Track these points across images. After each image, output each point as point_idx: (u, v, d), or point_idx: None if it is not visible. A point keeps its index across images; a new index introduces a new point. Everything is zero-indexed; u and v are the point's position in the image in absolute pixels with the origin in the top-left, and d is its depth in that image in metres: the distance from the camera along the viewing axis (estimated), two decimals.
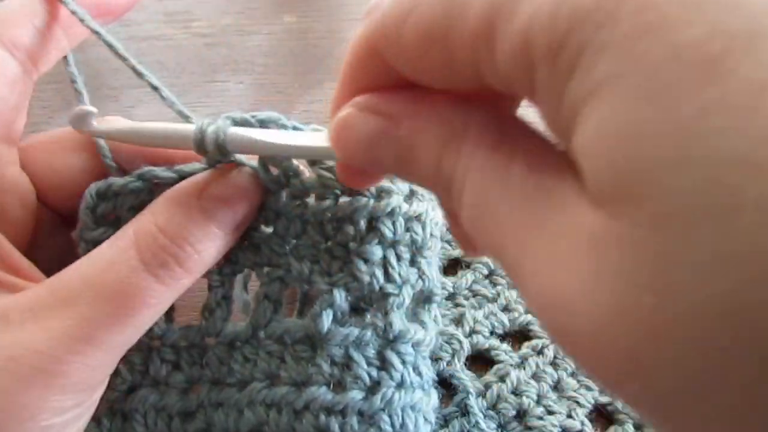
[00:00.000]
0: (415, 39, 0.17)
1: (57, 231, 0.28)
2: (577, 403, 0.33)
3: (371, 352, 0.27)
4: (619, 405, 0.33)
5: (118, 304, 0.23)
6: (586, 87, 0.13)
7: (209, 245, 0.25)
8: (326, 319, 0.26)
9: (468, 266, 0.38)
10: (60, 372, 0.22)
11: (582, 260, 0.13)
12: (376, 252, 0.27)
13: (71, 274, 0.23)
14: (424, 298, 0.28)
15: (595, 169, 0.13)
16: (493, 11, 0.15)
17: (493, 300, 0.37)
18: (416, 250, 0.28)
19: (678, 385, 0.12)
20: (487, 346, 0.35)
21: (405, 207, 0.27)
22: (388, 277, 0.27)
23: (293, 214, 0.27)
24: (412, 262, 0.28)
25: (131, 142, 0.25)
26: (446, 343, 0.34)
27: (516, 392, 0.33)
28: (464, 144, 0.17)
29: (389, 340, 0.27)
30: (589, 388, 0.34)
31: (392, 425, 0.26)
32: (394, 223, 0.27)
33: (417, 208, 0.27)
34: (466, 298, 0.37)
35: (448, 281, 0.37)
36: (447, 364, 0.34)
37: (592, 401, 0.33)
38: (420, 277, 0.28)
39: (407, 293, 0.27)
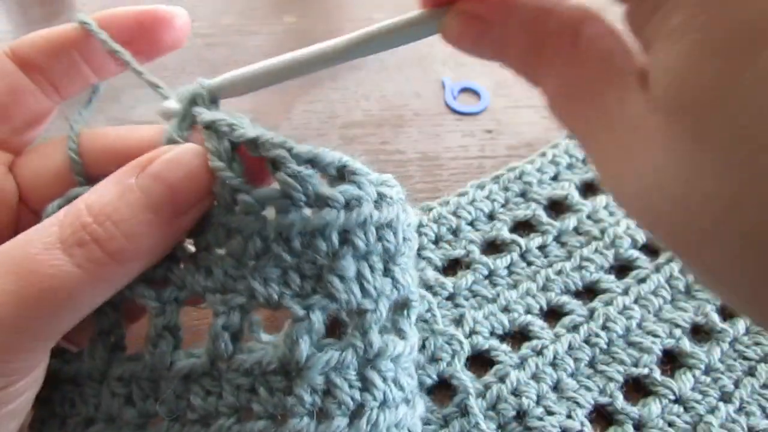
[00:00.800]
0: None
1: None
2: (577, 403, 0.33)
3: (352, 374, 0.25)
4: (618, 405, 0.33)
5: (25, 282, 0.20)
6: (662, 29, 0.16)
7: (140, 229, 0.22)
8: (305, 347, 0.24)
9: (468, 266, 0.38)
10: None
11: (647, 152, 0.17)
12: (351, 267, 0.25)
13: None
14: (400, 306, 0.27)
15: (662, 93, 0.16)
16: None
17: (493, 300, 0.37)
18: (389, 259, 0.26)
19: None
20: (486, 346, 0.35)
21: (376, 215, 0.25)
22: (363, 291, 0.25)
23: (250, 230, 0.24)
24: (386, 272, 0.26)
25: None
26: (446, 343, 0.34)
27: (516, 393, 0.33)
28: (544, 51, 0.20)
29: (368, 359, 0.25)
30: (588, 389, 0.34)
31: None
32: (366, 234, 0.25)
33: (387, 214, 0.25)
34: (466, 299, 0.37)
35: (448, 281, 0.37)
36: (447, 365, 0.34)
37: (592, 402, 0.33)
38: (395, 286, 0.26)
39: (383, 306, 0.25)
